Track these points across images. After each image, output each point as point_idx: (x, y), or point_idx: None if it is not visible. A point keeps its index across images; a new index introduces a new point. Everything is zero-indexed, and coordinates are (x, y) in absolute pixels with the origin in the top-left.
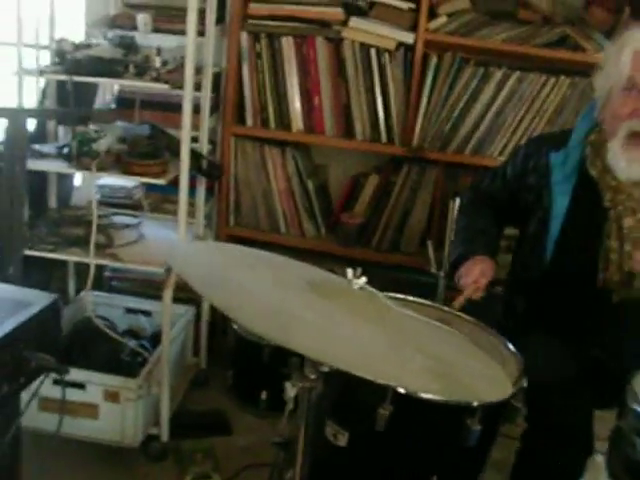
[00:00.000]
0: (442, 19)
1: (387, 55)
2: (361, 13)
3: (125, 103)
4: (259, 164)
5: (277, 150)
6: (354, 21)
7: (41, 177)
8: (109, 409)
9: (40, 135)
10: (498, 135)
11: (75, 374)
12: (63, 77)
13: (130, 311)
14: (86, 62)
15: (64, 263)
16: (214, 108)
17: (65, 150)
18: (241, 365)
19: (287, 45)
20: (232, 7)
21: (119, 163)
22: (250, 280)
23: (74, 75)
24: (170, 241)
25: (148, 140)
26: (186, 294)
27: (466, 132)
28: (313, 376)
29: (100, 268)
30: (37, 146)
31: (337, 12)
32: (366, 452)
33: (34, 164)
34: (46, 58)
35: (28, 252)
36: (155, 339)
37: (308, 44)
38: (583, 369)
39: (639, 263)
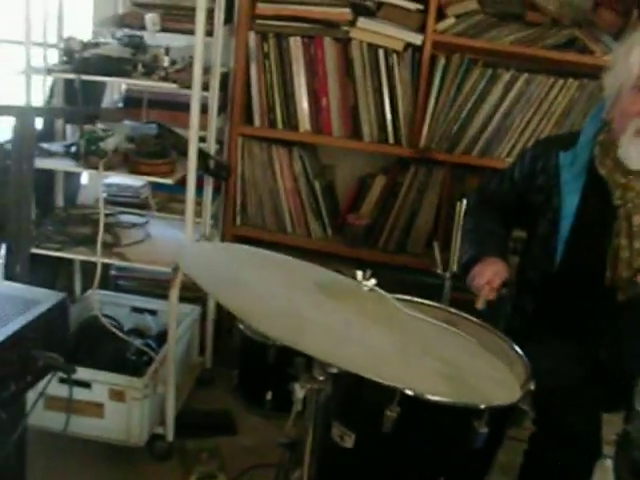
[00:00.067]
0: (450, 20)
1: (395, 56)
2: (369, 13)
3: (132, 102)
4: (266, 164)
5: (284, 150)
6: (362, 21)
7: (48, 175)
8: (115, 408)
9: (48, 134)
10: (506, 137)
11: (81, 373)
12: (71, 76)
13: (136, 310)
14: (94, 61)
15: (70, 262)
16: (222, 108)
17: (73, 149)
18: (247, 365)
19: (295, 45)
20: (240, 7)
21: (127, 162)
22: (259, 281)
23: (82, 74)
24: (177, 240)
25: (156, 139)
26: (192, 293)
27: (474, 133)
28: (322, 378)
29: (106, 267)
30: (45, 145)
31: (345, 12)
32: (372, 454)
33: (42, 162)
34: (54, 57)
35: (35, 250)
36: (161, 338)
37: (316, 44)
38: (590, 371)
39: None
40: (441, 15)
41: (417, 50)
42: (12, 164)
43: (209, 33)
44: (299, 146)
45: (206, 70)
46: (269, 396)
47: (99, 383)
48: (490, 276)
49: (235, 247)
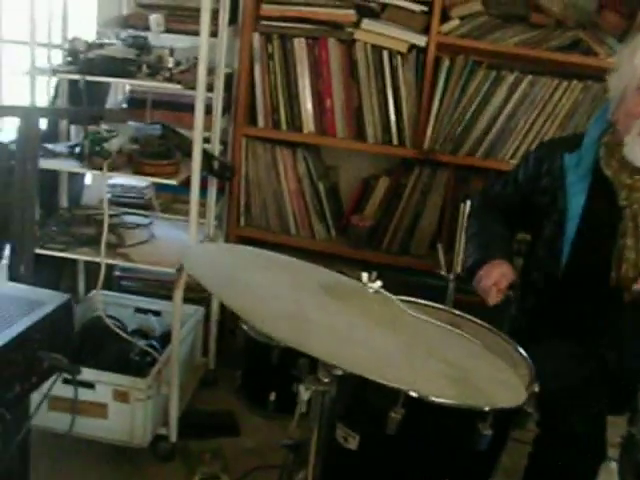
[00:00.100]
0: (455, 22)
1: (399, 57)
2: (373, 15)
3: (136, 103)
4: (270, 165)
5: (288, 151)
6: (366, 23)
7: (52, 176)
8: (118, 409)
9: (52, 134)
10: (510, 138)
11: (84, 374)
12: (76, 76)
13: (140, 311)
14: (99, 62)
15: (74, 262)
16: (226, 109)
17: (77, 149)
18: (250, 366)
19: (299, 46)
20: (244, 8)
21: (131, 163)
22: (262, 282)
23: (87, 75)
24: (181, 241)
25: (160, 140)
26: (195, 294)
27: (478, 135)
28: (327, 379)
29: (110, 267)
30: (49, 145)
31: (349, 14)
32: (376, 455)
33: (46, 163)
34: (58, 57)
35: (39, 251)
36: (164, 339)
37: (320, 46)
38: (595, 372)
39: None
40: (445, 17)
41: (421, 52)
42: (16, 164)
43: (213, 34)
44: (303, 147)
45: (210, 71)
46: (272, 397)
47: (103, 384)
48: (497, 277)
49: (239, 248)
